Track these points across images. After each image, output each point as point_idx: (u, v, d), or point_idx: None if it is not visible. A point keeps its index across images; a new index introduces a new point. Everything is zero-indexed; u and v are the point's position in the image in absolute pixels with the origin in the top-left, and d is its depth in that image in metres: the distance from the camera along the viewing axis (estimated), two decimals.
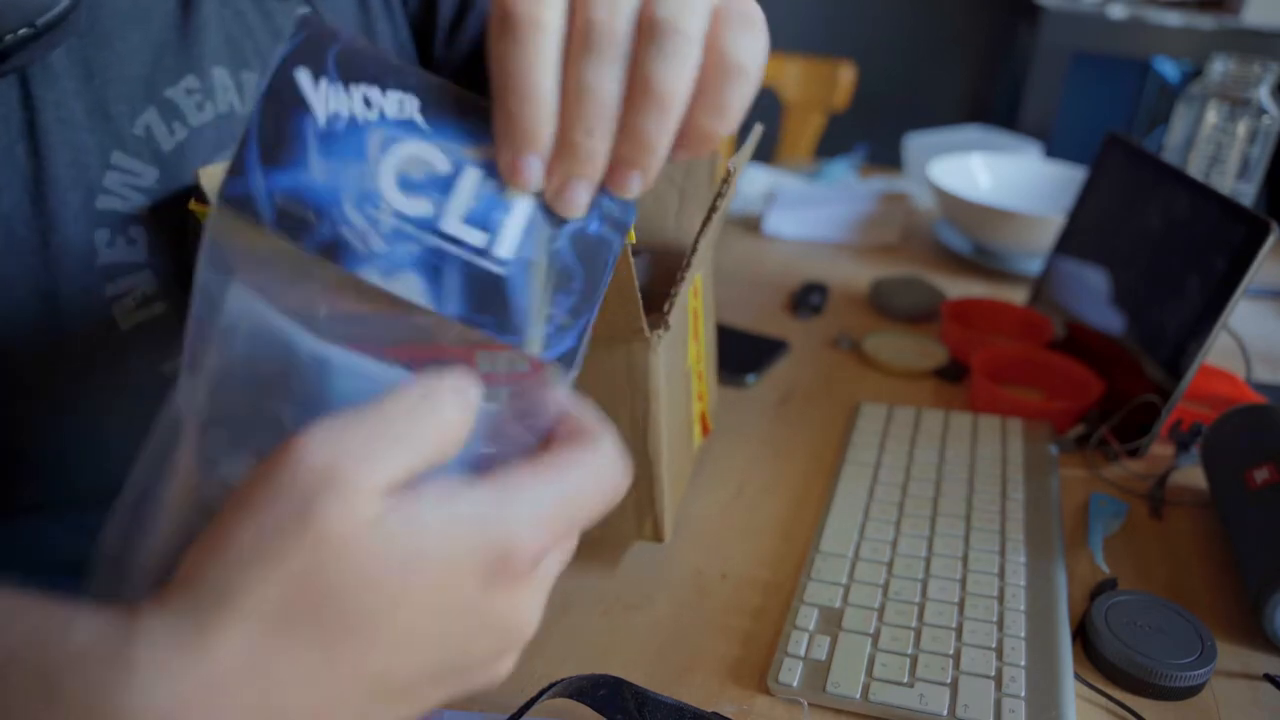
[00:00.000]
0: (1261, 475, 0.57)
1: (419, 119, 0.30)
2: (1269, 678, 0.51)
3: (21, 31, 0.44)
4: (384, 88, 0.30)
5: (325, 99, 0.29)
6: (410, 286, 0.30)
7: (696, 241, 0.50)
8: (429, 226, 0.30)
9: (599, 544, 0.59)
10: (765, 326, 0.90)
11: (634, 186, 0.32)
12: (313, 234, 0.29)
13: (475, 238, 0.30)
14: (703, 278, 0.62)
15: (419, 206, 0.30)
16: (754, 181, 1.28)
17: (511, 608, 0.31)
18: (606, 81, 0.30)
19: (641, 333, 0.49)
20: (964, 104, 2.39)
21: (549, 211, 0.31)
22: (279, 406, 0.29)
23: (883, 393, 0.79)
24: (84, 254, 0.50)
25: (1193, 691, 0.49)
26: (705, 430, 0.65)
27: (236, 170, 0.29)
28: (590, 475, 0.31)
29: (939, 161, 1.12)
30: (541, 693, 0.45)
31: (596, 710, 0.45)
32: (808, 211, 1.16)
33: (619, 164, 0.32)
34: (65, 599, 0.30)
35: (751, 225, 1.17)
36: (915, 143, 1.31)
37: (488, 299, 0.30)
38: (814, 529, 0.61)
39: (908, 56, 2.39)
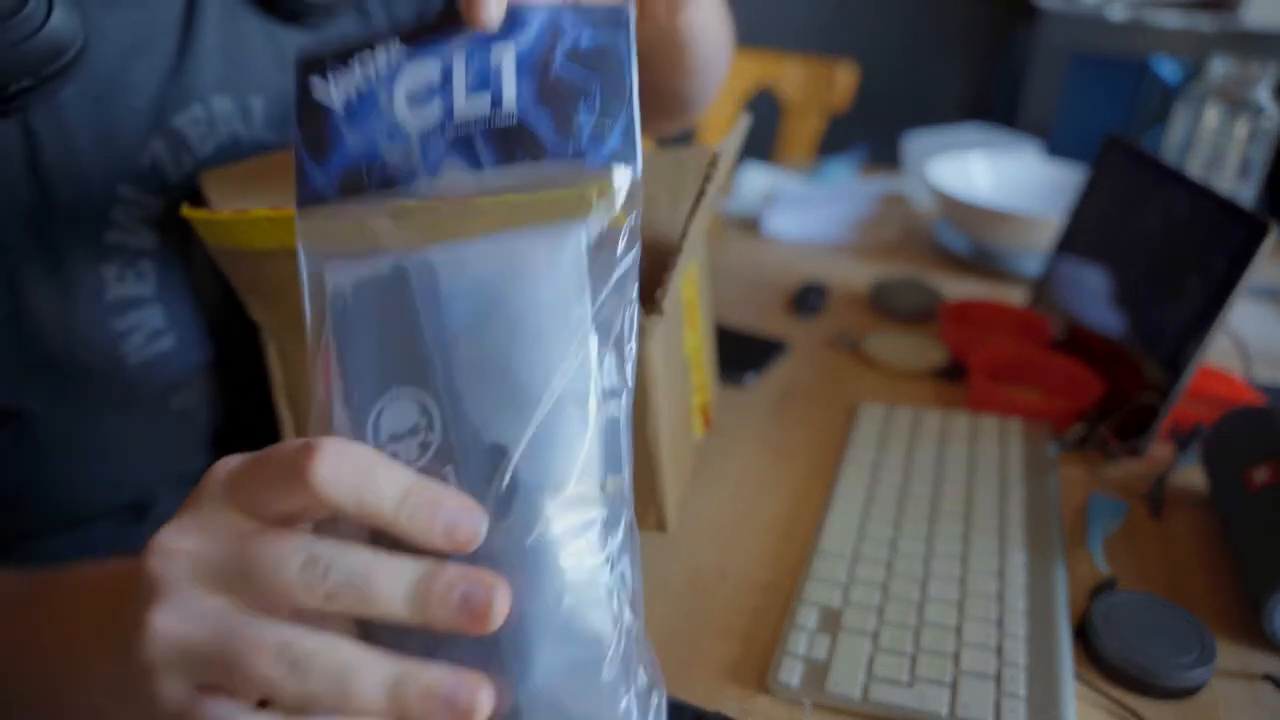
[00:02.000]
0: (1261, 475, 0.58)
1: (404, 50, 0.35)
2: (1269, 678, 0.51)
3: (25, 81, 0.44)
4: (372, 48, 0.35)
5: (338, 89, 0.36)
6: (454, 170, 0.34)
7: (686, 227, 0.50)
8: (447, 118, 0.35)
9: None
10: (765, 326, 0.90)
11: None
12: (368, 182, 0.35)
13: (482, 104, 0.35)
14: (697, 269, 0.62)
15: (432, 110, 0.35)
16: (754, 182, 1.28)
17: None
18: None
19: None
20: (964, 103, 2.39)
21: (532, 51, 0.35)
22: (408, 330, 0.34)
23: (883, 393, 0.79)
24: (92, 289, 0.49)
25: (1193, 691, 0.49)
26: (707, 422, 0.65)
27: (301, 181, 0.35)
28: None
29: (938, 162, 1.12)
30: None
31: None
32: (807, 212, 1.16)
33: None
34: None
35: (751, 225, 1.17)
36: (915, 142, 1.31)
37: (516, 145, 0.34)
38: (814, 529, 0.61)
39: (908, 56, 2.39)
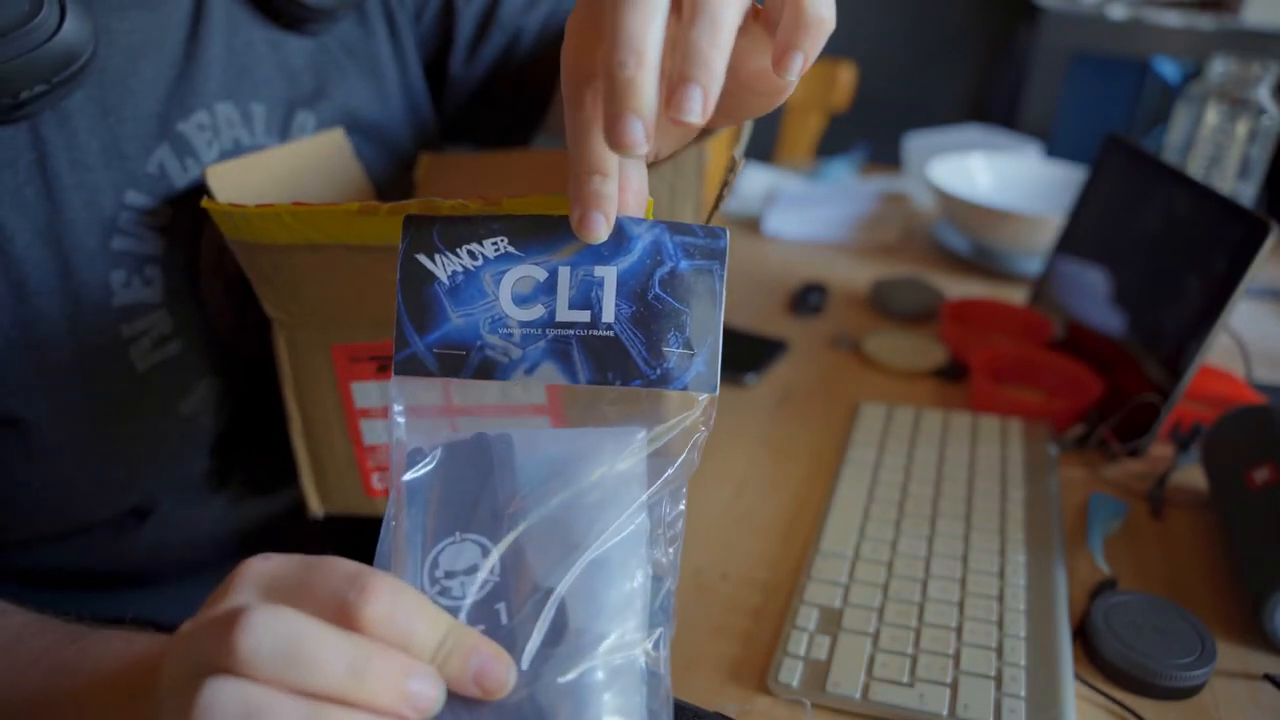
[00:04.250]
0: (1261, 475, 0.58)
1: (511, 249, 0.38)
2: (1269, 678, 0.51)
3: (37, 88, 0.44)
4: (479, 240, 0.38)
5: (442, 266, 0.38)
6: (549, 374, 0.37)
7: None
8: (548, 323, 0.37)
9: None
10: (765, 326, 0.90)
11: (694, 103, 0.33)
12: (467, 365, 0.37)
13: (583, 316, 0.37)
14: None
15: (535, 312, 0.37)
16: (754, 181, 1.28)
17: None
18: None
19: None
20: (964, 104, 2.39)
21: (633, 273, 0.37)
22: (481, 488, 0.37)
23: (883, 393, 0.79)
24: (100, 296, 0.49)
25: (1193, 691, 0.49)
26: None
27: (400, 344, 0.38)
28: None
29: (939, 161, 1.12)
30: None
31: None
32: (808, 211, 1.16)
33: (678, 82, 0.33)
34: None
35: (751, 225, 1.17)
36: (915, 143, 1.31)
37: (608, 359, 0.37)
38: (814, 529, 0.61)
39: (908, 56, 2.39)
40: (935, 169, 1.10)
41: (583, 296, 0.37)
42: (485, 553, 0.36)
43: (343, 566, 0.32)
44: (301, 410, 0.55)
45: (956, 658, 0.50)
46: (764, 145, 1.79)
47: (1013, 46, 2.25)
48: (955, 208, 1.04)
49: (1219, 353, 0.82)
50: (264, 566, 0.33)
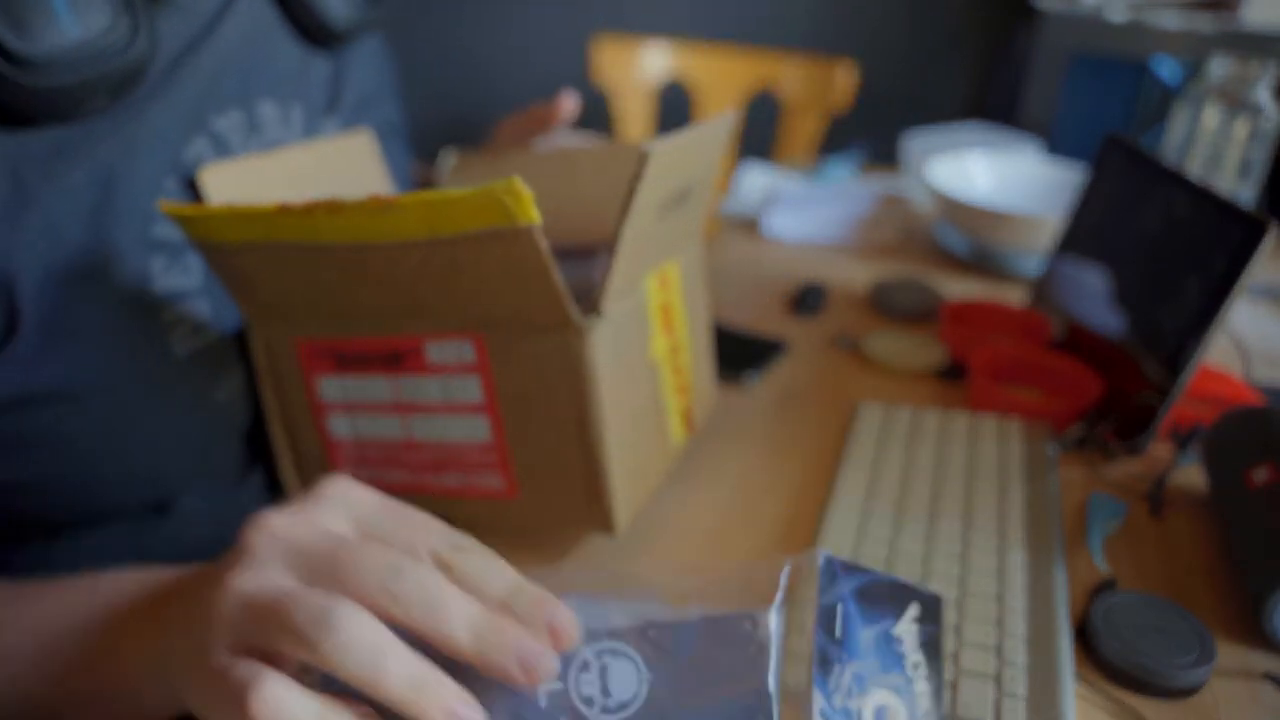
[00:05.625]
0: (1261, 475, 0.58)
1: None
2: (1269, 677, 0.51)
3: (100, 102, 0.46)
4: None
5: None
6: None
7: (619, 229, 0.49)
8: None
9: (547, 537, 0.60)
10: (765, 326, 0.90)
11: None
12: None
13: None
14: (682, 271, 0.62)
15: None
16: (754, 182, 1.28)
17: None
18: None
19: (570, 321, 0.48)
20: (964, 103, 2.39)
21: None
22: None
23: (882, 393, 0.79)
24: (140, 281, 0.51)
25: (1192, 691, 0.49)
26: (689, 427, 0.65)
27: None
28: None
29: (938, 162, 1.12)
30: None
31: None
32: (807, 211, 1.16)
33: None
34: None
35: (751, 225, 1.17)
36: (915, 142, 1.31)
37: None
38: (813, 528, 0.61)
39: (908, 56, 2.39)
40: (934, 170, 1.10)
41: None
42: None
43: (374, 557, 0.34)
44: (279, 403, 0.56)
45: (956, 657, 0.50)
46: (764, 145, 1.80)
47: (1013, 46, 2.25)
48: (954, 208, 1.04)
49: (1218, 353, 0.82)
50: (353, 486, 0.37)
